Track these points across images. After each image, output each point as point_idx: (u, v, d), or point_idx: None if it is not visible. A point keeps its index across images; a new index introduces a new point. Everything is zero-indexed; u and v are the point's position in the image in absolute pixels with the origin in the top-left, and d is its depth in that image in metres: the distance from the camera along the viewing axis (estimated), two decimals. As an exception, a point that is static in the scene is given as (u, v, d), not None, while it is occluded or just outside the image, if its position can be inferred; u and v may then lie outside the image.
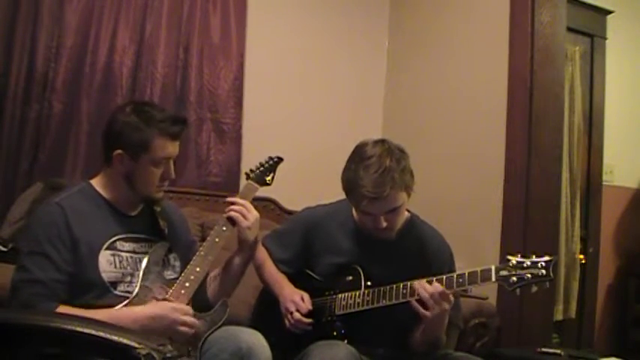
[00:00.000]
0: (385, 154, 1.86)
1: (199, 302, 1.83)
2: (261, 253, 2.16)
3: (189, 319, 1.69)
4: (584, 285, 3.76)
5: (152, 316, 1.64)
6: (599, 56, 3.90)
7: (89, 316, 1.54)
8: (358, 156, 1.90)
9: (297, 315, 1.93)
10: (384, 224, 1.89)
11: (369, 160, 1.85)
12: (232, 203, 1.91)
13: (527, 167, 2.88)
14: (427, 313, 1.77)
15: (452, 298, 1.78)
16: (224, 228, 1.89)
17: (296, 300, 1.96)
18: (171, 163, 1.84)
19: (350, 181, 1.89)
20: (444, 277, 1.78)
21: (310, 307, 1.95)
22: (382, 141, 1.94)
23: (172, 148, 1.81)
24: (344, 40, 3.70)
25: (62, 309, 1.61)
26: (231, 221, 1.89)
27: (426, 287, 1.77)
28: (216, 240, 1.87)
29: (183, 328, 1.66)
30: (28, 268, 1.65)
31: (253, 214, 1.89)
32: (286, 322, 1.95)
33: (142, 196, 1.84)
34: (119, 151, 1.76)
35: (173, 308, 1.67)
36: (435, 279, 1.79)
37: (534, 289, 1.67)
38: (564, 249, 3.59)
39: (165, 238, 1.88)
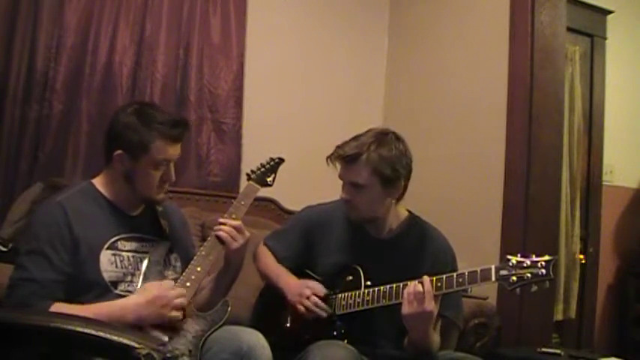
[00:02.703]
0: (377, 135, 1.94)
1: None
2: (262, 251, 2.17)
3: (178, 290, 1.69)
4: (584, 285, 3.76)
5: (146, 302, 1.64)
6: (599, 56, 3.90)
7: (82, 313, 1.54)
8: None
9: (314, 298, 1.93)
10: (345, 195, 1.95)
11: (361, 134, 1.96)
12: (224, 223, 1.87)
13: (527, 167, 2.88)
14: (403, 309, 1.77)
15: (431, 301, 1.74)
16: (233, 217, 1.89)
17: (311, 285, 1.97)
18: (172, 165, 1.83)
19: None
20: (444, 276, 1.77)
21: (326, 291, 1.97)
22: (389, 131, 1.99)
23: (173, 151, 1.80)
24: (344, 39, 3.71)
25: (56, 306, 1.61)
26: (220, 241, 1.86)
27: (410, 285, 1.78)
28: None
29: (177, 301, 1.67)
30: (27, 267, 1.66)
31: (243, 236, 1.87)
32: (300, 308, 1.94)
33: (141, 197, 1.84)
34: (119, 151, 1.77)
35: (161, 288, 1.68)
36: (432, 278, 1.78)
37: (534, 288, 1.67)
38: (564, 249, 3.59)
39: (166, 238, 1.88)
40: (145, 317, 1.64)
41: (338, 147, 1.95)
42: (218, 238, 1.86)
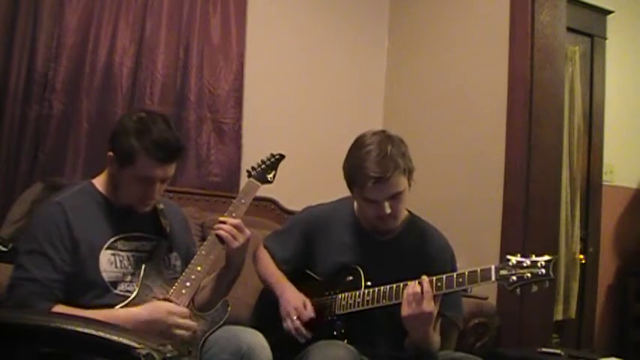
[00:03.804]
0: (385, 140, 1.90)
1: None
2: (262, 253, 2.16)
3: (187, 322, 1.67)
4: (584, 285, 3.77)
5: (148, 320, 1.63)
6: (599, 56, 3.90)
7: (87, 315, 1.54)
8: (359, 145, 1.93)
9: (297, 323, 1.91)
10: (389, 210, 1.89)
11: (369, 146, 1.89)
12: (224, 222, 1.85)
13: (527, 167, 2.88)
14: (403, 310, 1.76)
15: (430, 302, 1.74)
16: (233, 215, 1.89)
17: (298, 306, 1.94)
18: (157, 185, 1.78)
19: (352, 167, 1.91)
20: (444, 276, 1.77)
21: (312, 315, 1.93)
22: (381, 131, 1.97)
23: (160, 172, 1.75)
24: (344, 39, 3.70)
25: (59, 309, 1.61)
26: (221, 240, 1.85)
27: (409, 286, 1.78)
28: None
29: (179, 331, 1.64)
30: (27, 267, 1.66)
31: (244, 234, 1.85)
32: (284, 325, 1.94)
33: (123, 203, 1.81)
34: (110, 153, 1.77)
35: (169, 312, 1.66)
36: (431, 279, 1.78)
37: (534, 288, 1.67)
38: (564, 249, 3.59)
39: (166, 238, 1.88)
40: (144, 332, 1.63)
41: (367, 171, 1.84)
42: (218, 237, 1.85)
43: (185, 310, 1.70)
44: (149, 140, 1.71)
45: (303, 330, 1.91)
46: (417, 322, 1.77)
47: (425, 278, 1.78)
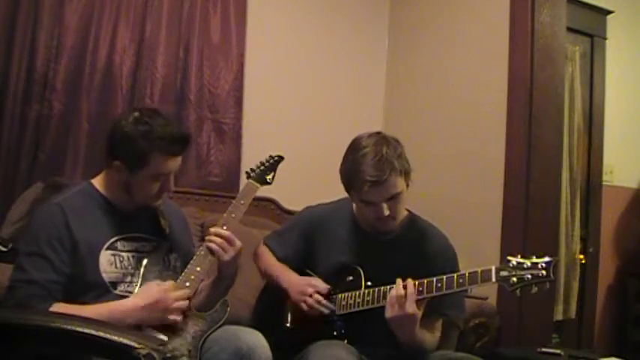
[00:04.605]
0: (381, 142, 1.90)
1: None
2: (263, 250, 2.17)
3: (178, 296, 1.69)
4: (584, 285, 3.76)
5: (143, 306, 1.65)
6: (599, 56, 3.90)
7: (82, 314, 1.54)
8: (354, 148, 1.93)
9: (317, 296, 1.94)
10: (387, 212, 1.89)
11: (365, 149, 1.89)
12: (216, 234, 1.84)
13: (527, 167, 2.88)
14: (386, 312, 1.78)
15: (412, 304, 1.74)
16: (224, 227, 1.88)
17: (313, 282, 1.98)
18: (171, 176, 1.81)
19: (349, 170, 1.91)
20: (445, 277, 1.77)
21: (328, 287, 1.97)
22: (376, 132, 1.97)
23: (173, 164, 1.79)
24: (344, 39, 3.71)
25: (56, 306, 1.62)
26: (212, 252, 1.84)
27: (393, 288, 1.79)
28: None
29: (173, 316, 1.67)
30: (26, 269, 1.66)
31: (235, 247, 1.83)
32: (303, 305, 1.95)
33: (138, 204, 1.83)
34: (117, 162, 1.76)
35: (162, 290, 1.68)
36: (415, 282, 1.78)
37: (534, 289, 1.67)
38: (564, 249, 3.59)
39: (166, 238, 1.88)
40: (145, 321, 1.65)
41: (363, 175, 1.84)
42: (209, 249, 1.83)
43: (171, 282, 1.73)
44: (157, 139, 1.73)
45: (324, 301, 1.94)
46: (400, 324, 1.79)
47: (410, 281, 1.78)
